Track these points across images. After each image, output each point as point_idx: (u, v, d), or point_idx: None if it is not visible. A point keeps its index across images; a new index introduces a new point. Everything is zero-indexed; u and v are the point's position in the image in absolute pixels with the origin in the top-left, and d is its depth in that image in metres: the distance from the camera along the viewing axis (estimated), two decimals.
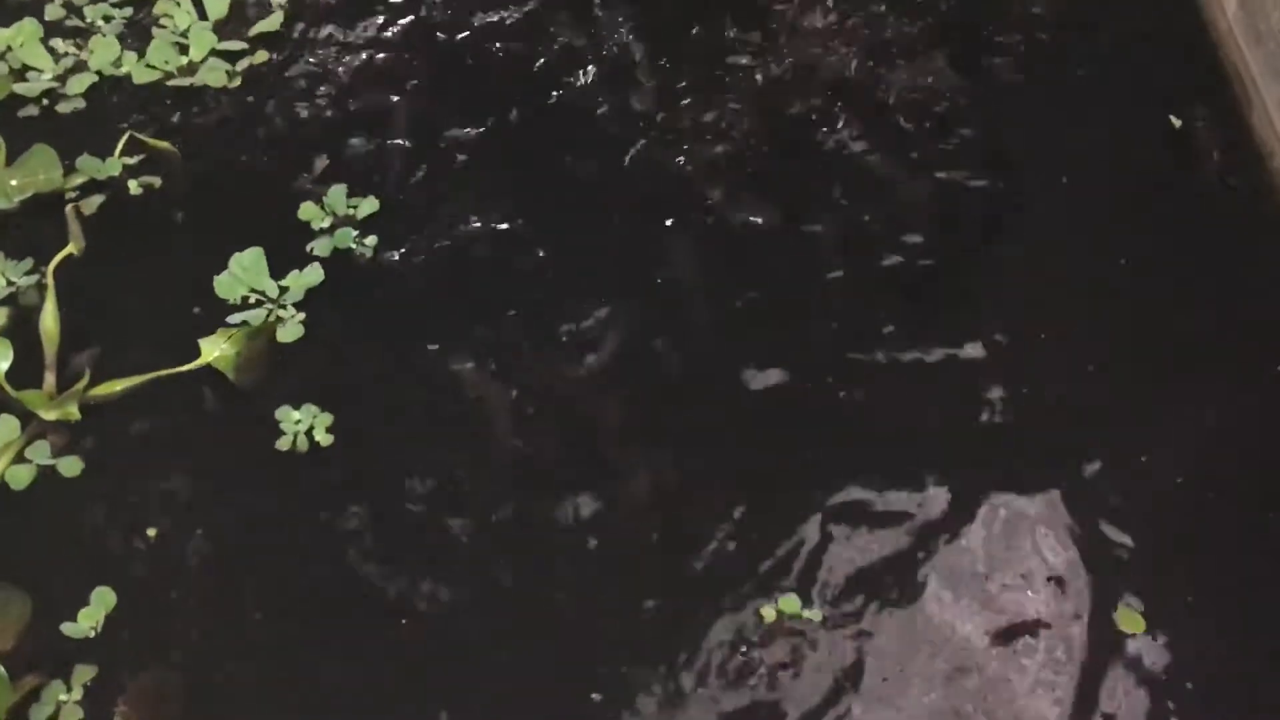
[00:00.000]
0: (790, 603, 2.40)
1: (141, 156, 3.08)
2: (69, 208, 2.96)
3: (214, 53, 3.26)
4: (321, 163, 3.08)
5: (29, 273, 2.87)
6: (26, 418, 2.64)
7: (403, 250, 2.92)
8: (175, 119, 3.16)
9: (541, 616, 2.42)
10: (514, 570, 2.47)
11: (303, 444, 2.62)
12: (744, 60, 3.26)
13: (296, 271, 2.85)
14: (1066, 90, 3.18)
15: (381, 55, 3.30)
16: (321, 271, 2.86)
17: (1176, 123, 3.08)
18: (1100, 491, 2.54)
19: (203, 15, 3.32)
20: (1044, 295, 2.82)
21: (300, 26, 3.35)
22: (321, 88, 3.23)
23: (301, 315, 2.79)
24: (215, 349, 2.73)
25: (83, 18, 3.33)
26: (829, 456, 2.60)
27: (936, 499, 2.53)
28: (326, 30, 3.35)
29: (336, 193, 2.98)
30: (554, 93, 3.21)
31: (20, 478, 2.57)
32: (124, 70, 3.23)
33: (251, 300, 2.81)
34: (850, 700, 2.31)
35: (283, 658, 2.39)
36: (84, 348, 2.77)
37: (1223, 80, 3.16)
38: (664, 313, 2.81)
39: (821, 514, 2.52)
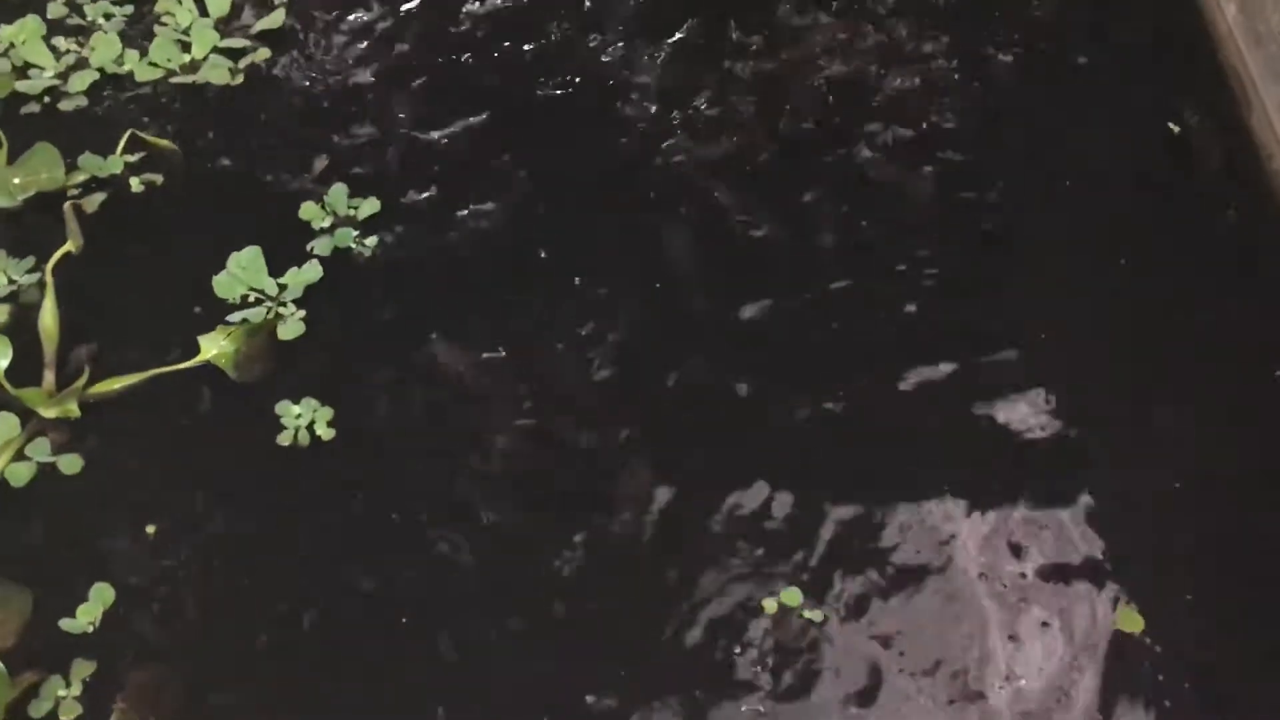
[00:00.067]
0: (791, 595, 2.40)
1: (143, 154, 3.08)
2: (67, 206, 2.96)
3: (216, 50, 3.26)
4: (323, 162, 3.08)
5: (31, 271, 2.87)
6: (26, 415, 2.64)
7: (403, 250, 2.92)
8: (177, 117, 3.16)
9: (542, 612, 2.42)
10: (514, 567, 2.47)
11: (304, 438, 2.62)
12: (746, 61, 3.26)
13: (295, 269, 2.85)
14: (1066, 92, 3.18)
15: (383, 53, 3.30)
16: (320, 269, 2.86)
17: (1175, 129, 3.08)
18: (1100, 491, 2.54)
19: (204, 13, 3.32)
20: (1044, 297, 2.82)
21: (302, 24, 3.35)
22: (323, 86, 3.23)
23: (302, 313, 2.80)
24: (215, 346, 2.74)
25: (83, 15, 3.34)
26: (829, 456, 2.60)
27: (936, 498, 2.54)
28: (329, 28, 3.35)
29: (337, 192, 2.98)
30: (556, 93, 3.21)
31: (20, 475, 2.57)
32: (126, 68, 3.23)
33: (251, 299, 2.81)
34: (848, 697, 2.31)
35: (282, 655, 2.39)
36: (84, 345, 2.77)
37: (1222, 82, 3.16)
38: (665, 312, 2.82)
39: (821, 512, 2.52)
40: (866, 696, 2.31)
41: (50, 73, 3.21)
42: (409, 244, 2.94)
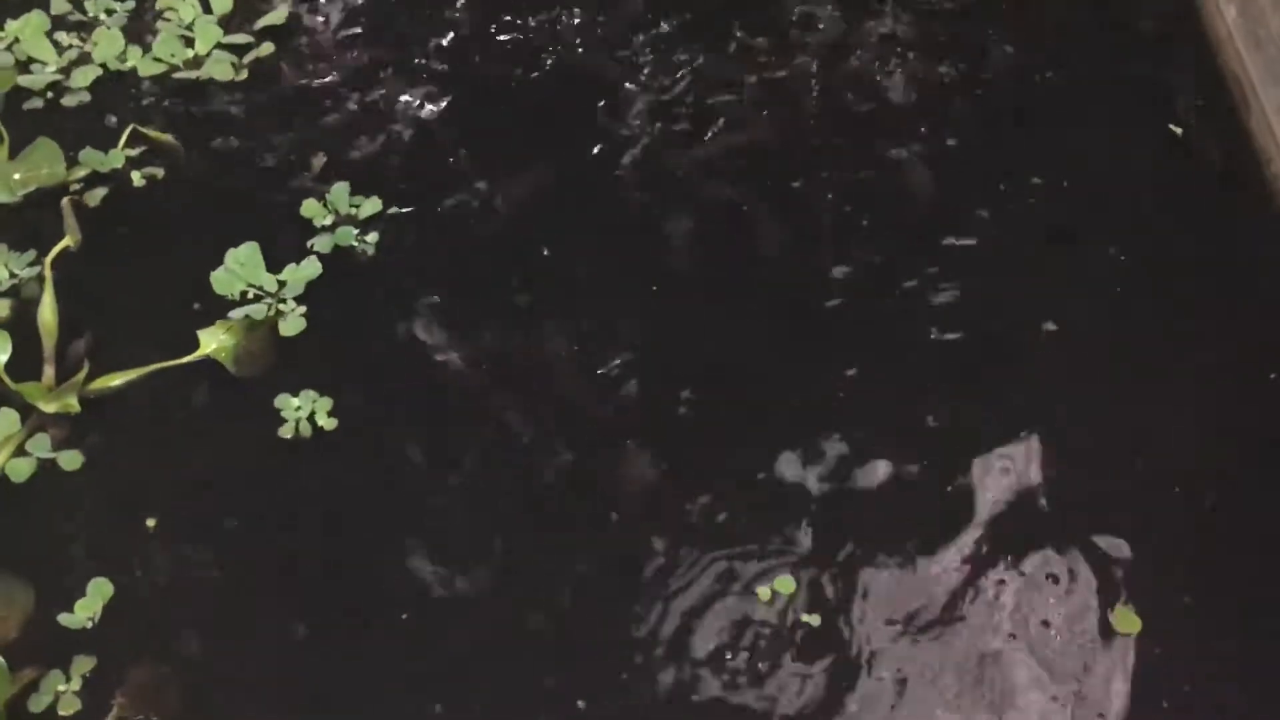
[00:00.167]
0: (785, 583, 2.41)
1: (144, 149, 3.08)
2: (65, 201, 2.96)
3: (219, 46, 3.27)
4: (325, 159, 3.08)
5: (31, 265, 2.87)
6: (26, 411, 2.64)
7: (404, 248, 2.93)
8: (180, 112, 3.17)
9: (542, 607, 2.42)
10: (514, 563, 2.48)
11: (305, 430, 2.63)
12: (749, 62, 3.26)
13: (294, 266, 2.85)
14: (1067, 93, 3.18)
15: (387, 50, 3.30)
16: (319, 265, 2.86)
17: (1178, 131, 3.09)
18: (1098, 492, 2.54)
19: (207, 9, 3.32)
20: (1044, 299, 2.82)
21: (305, 21, 3.35)
22: (326, 83, 3.24)
23: (303, 309, 2.80)
24: (214, 340, 2.74)
25: (85, 12, 3.34)
26: (828, 456, 2.61)
27: (934, 498, 2.54)
28: (331, 24, 3.35)
29: (339, 190, 2.98)
30: (559, 92, 3.21)
31: (20, 471, 2.57)
32: (129, 64, 3.23)
33: (250, 295, 2.82)
34: (845, 695, 2.31)
35: (281, 650, 2.39)
36: (84, 340, 2.77)
37: (1222, 85, 3.17)
38: (665, 313, 2.82)
39: (820, 511, 2.52)
40: (864, 694, 2.32)
41: (53, 68, 3.21)
42: (409, 242, 2.94)
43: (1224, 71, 3.19)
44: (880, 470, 2.58)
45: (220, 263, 2.83)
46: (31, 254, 2.89)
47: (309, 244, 2.91)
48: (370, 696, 2.34)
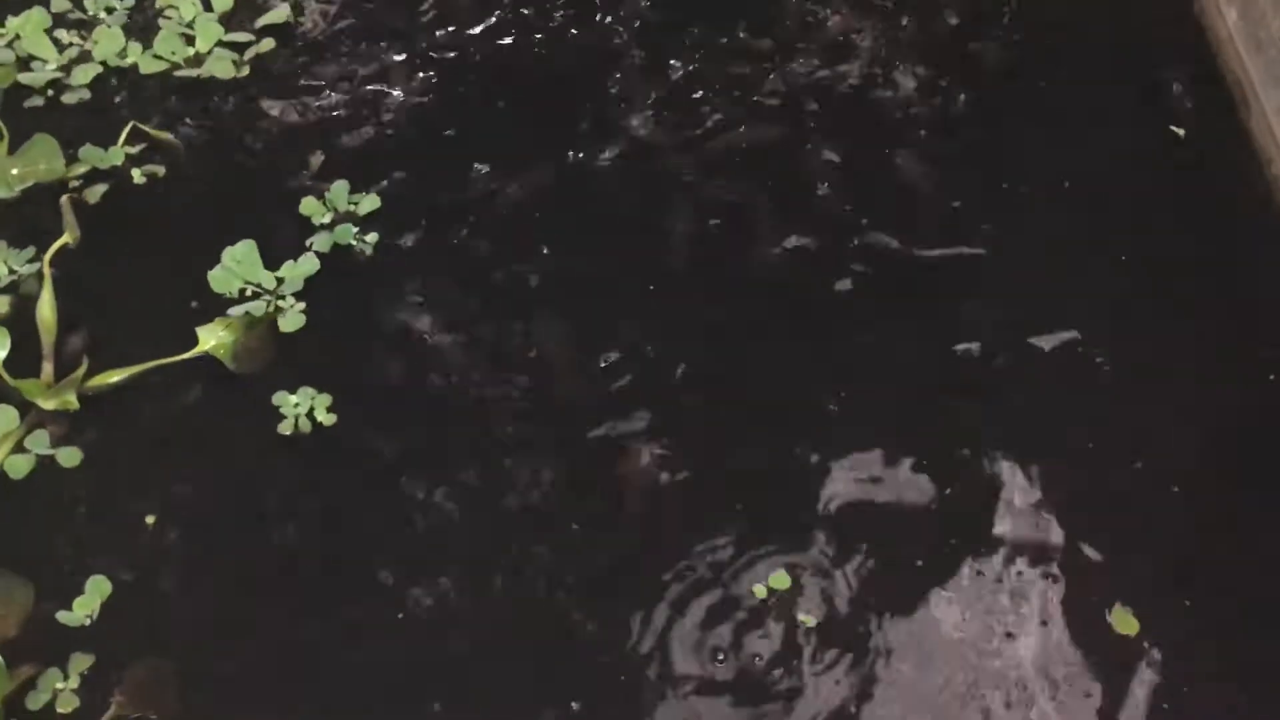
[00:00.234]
0: (780, 579, 2.42)
1: (144, 147, 3.08)
2: (64, 198, 2.96)
3: (220, 44, 3.27)
4: (325, 157, 3.08)
5: (30, 262, 2.87)
6: (25, 407, 2.64)
7: (402, 248, 2.92)
8: (180, 110, 3.17)
9: (539, 605, 2.42)
10: (512, 561, 2.48)
11: (305, 426, 2.63)
12: (751, 61, 3.26)
13: (291, 262, 2.85)
14: (1067, 96, 3.18)
15: (388, 48, 3.30)
16: (317, 261, 2.86)
17: (1179, 132, 3.09)
18: (1096, 493, 2.54)
19: (208, 7, 3.32)
20: (1043, 298, 2.83)
21: (306, 18, 3.36)
22: (327, 80, 3.24)
23: (301, 305, 2.80)
24: (213, 337, 2.74)
25: (85, 10, 3.34)
26: (827, 456, 2.60)
27: (932, 499, 2.54)
28: (333, 22, 3.35)
29: (339, 188, 2.98)
30: (560, 90, 3.21)
31: (19, 467, 2.57)
32: (130, 61, 3.23)
33: (249, 293, 2.82)
34: (841, 693, 2.31)
35: (280, 647, 2.39)
36: (83, 337, 2.77)
37: (1222, 87, 3.17)
38: (665, 311, 2.82)
39: (818, 510, 2.52)
40: (860, 691, 2.32)
41: (53, 65, 3.21)
42: (408, 240, 2.94)
43: (1224, 73, 3.19)
44: (879, 470, 2.58)
45: (219, 261, 2.83)
46: (31, 251, 2.89)
47: (308, 242, 2.91)
48: (368, 694, 2.34)
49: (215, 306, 2.79)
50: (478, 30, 3.34)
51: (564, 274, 2.88)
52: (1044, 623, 2.38)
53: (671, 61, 3.26)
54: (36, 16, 3.26)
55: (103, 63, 3.22)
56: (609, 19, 3.35)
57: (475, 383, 2.71)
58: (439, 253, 2.92)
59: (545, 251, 2.91)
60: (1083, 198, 2.99)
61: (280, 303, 2.80)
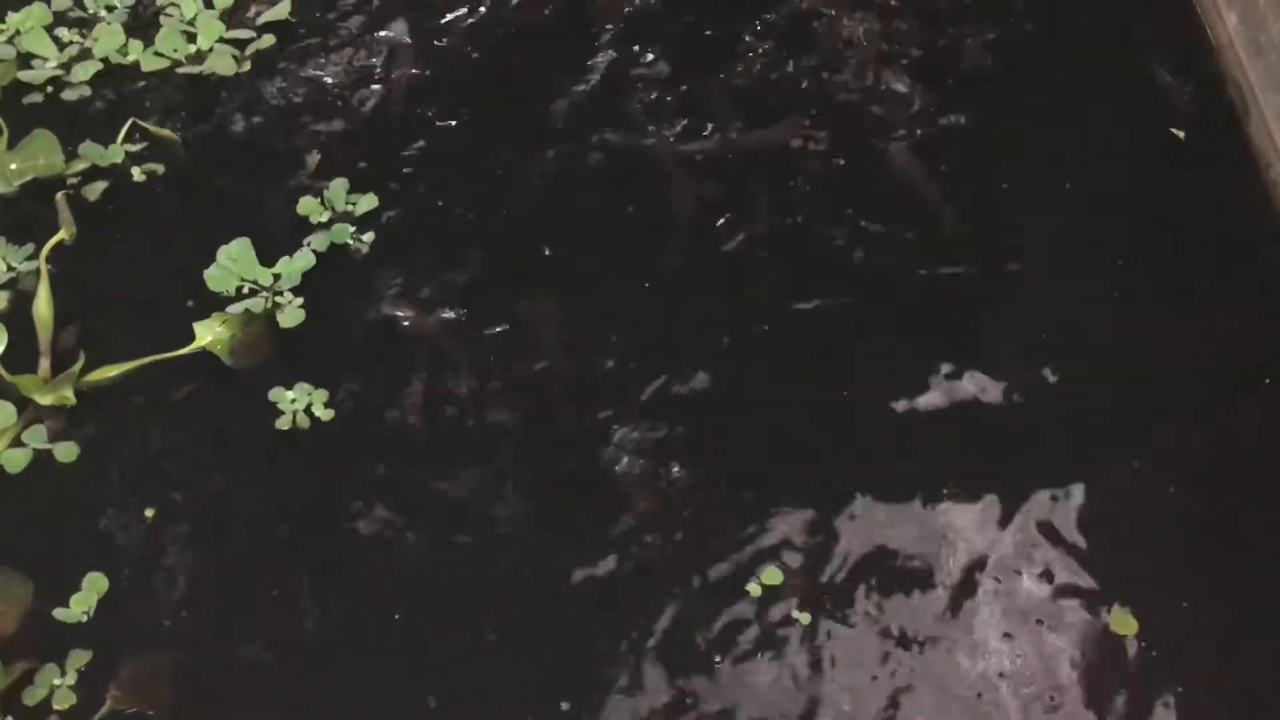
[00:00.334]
0: (773, 575, 2.42)
1: (145, 144, 3.08)
2: (59, 194, 2.96)
3: (222, 41, 3.27)
4: (319, 156, 3.08)
5: (29, 258, 2.87)
6: (22, 403, 2.64)
7: (400, 247, 2.92)
8: (181, 107, 3.17)
9: (537, 603, 2.42)
10: (510, 560, 2.48)
11: (303, 421, 2.62)
12: (753, 61, 3.27)
13: (287, 258, 2.85)
14: (1067, 99, 3.18)
15: (389, 47, 3.30)
16: (313, 256, 2.86)
17: (1180, 134, 3.09)
18: (1094, 494, 2.54)
19: (209, 4, 3.32)
20: (1042, 299, 2.83)
21: (308, 16, 3.36)
22: (328, 78, 3.24)
23: (300, 300, 2.80)
24: (210, 333, 2.73)
25: (85, 8, 3.33)
26: (826, 455, 2.61)
27: (929, 500, 2.54)
28: (335, 19, 3.35)
29: (337, 187, 2.98)
30: (561, 91, 3.21)
31: (16, 462, 2.57)
32: (131, 59, 3.23)
33: (245, 290, 2.81)
34: (838, 692, 2.31)
35: (277, 643, 2.39)
36: (81, 333, 2.77)
37: (1221, 91, 3.18)
38: (664, 310, 2.82)
39: (815, 509, 2.52)
40: (858, 694, 2.31)
41: (53, 63, 3.21)
42: (406, 240, 2.93)
43: (1224, 76, 3.20)
44: (877, 471, 2.58)
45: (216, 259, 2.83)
46: (29, 247, 2.89)
47: (305, 241, 2.90)
48: (366, 691, 2.33)
49: (213, 303, 2.79)
50: (479, 30, 3.34)
51: (563, 274, 2.88)
52: (1040, 623, 2.38)
53: (673, 63, 3.26)
54: (37, 12, 3.26)
55: (103, 60, 3.22)
56: (609, 19, 3.35)
57: (475, 382, 2.71)
58: (437, 253, 2.92)
59: (548, 252, 2.91)
60: (1083, 200, 2.99)
61: (278, 299, 2.80)
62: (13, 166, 2.98)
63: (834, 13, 3.36)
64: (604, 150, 3.09)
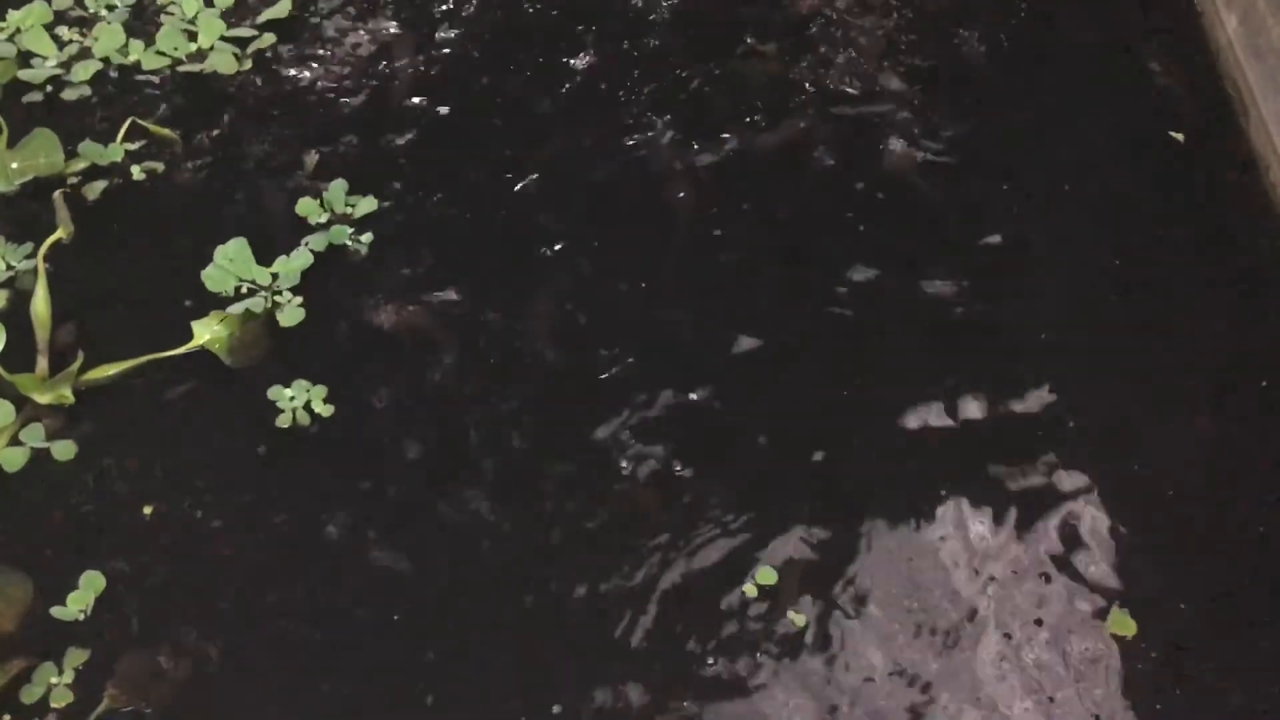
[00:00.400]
0: (767, 574, 2.42)
1: (144, 143, 3.08)
2: (56, 193, 2.96)
3: (223, 39, 3.27)
4: (317, 157, 3.08)
5: (29, 257, 2.86)
6: (21, 401, 2.64)
7: (398, 248, 2.92)
8: (181, 106, 3.17)
9: (533, 602, 2.42)
10: (509, 558, 2.48)
11: (303, 418, 2.63)
12: (755, 63, 3.27)
13: (284, 257, 2.85)
14: (1067, 101, 3.19)
15: (389, 46, 3.31)
16: (310, 255, 2.86)
17: (1179, 137, 3.10)
18: (1093, 496, 2.54)
19: (209, 2, 3.33)
20: (1043, 301, 2.83)
21: (309, 14, 3.36)
22: (328, 79, 3.24)
23: (299, 299, 2.80)
24: (208, 331, 2.73)
25: (86, 7, 3.34)
26: (825, 456, 2.61)
27: (928, 500, 2.54)
28: (336, 17, 3.35)
29: (336, 189, 2.98)
30: (560, 91, 3.21)
31: (14, 460, 2.57)
32: (132, 58, 3.24)
33: (244, 290, 2.81)
34: (838, 694, 2.31)
35: (274, 641, 2.38)
36: (79, 332, 2.77)
37: (1221, 93, 3.18)
38: (663, 313, 2.82)
39: (814, 510, 2.52)
40: (856, 693, 2.31)
41: (53, 62, 3.21)
42: (404, 242, 2.93)
43: (1224, 79, 3.20)
44: (876, 472, 2.58)
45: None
46: (29, 246, 2.88)
47: (304, 241, 2.90)
48: (364, 689, 2.33)
49: (212, 302, 2.79)
50: (480, 29, 3.34)
51: (563, 275, 2.88)
52: (1039, 623, 2.38)
53: (675, 65, 3.26)
54: (38, 9, 3.26)
55: (103, 59, 3.23)
56: (610, 19, 3.35)
57: (474, 380, 2.71)
58: (435, 253, 2.92)
59: (548, 253, 2.91)
60: (1083, 202, 2.99)
61: (277, 298, 2.80)
62: (14, 165, 2.98)
63: (834, 14, 3.36)
64: (603, 151, 3.10)
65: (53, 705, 2.30)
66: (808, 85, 3.22)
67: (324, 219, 2.95)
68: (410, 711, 2.31)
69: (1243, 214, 2.98)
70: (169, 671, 2.34)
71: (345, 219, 2.95)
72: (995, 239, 2.93)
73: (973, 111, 3.17)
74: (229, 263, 2.82)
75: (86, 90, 3.18)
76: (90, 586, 2.42)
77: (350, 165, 3.06)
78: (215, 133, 3.12)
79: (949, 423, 2.64)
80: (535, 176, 3.05)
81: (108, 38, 3.24)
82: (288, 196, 2.98)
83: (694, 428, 2.64)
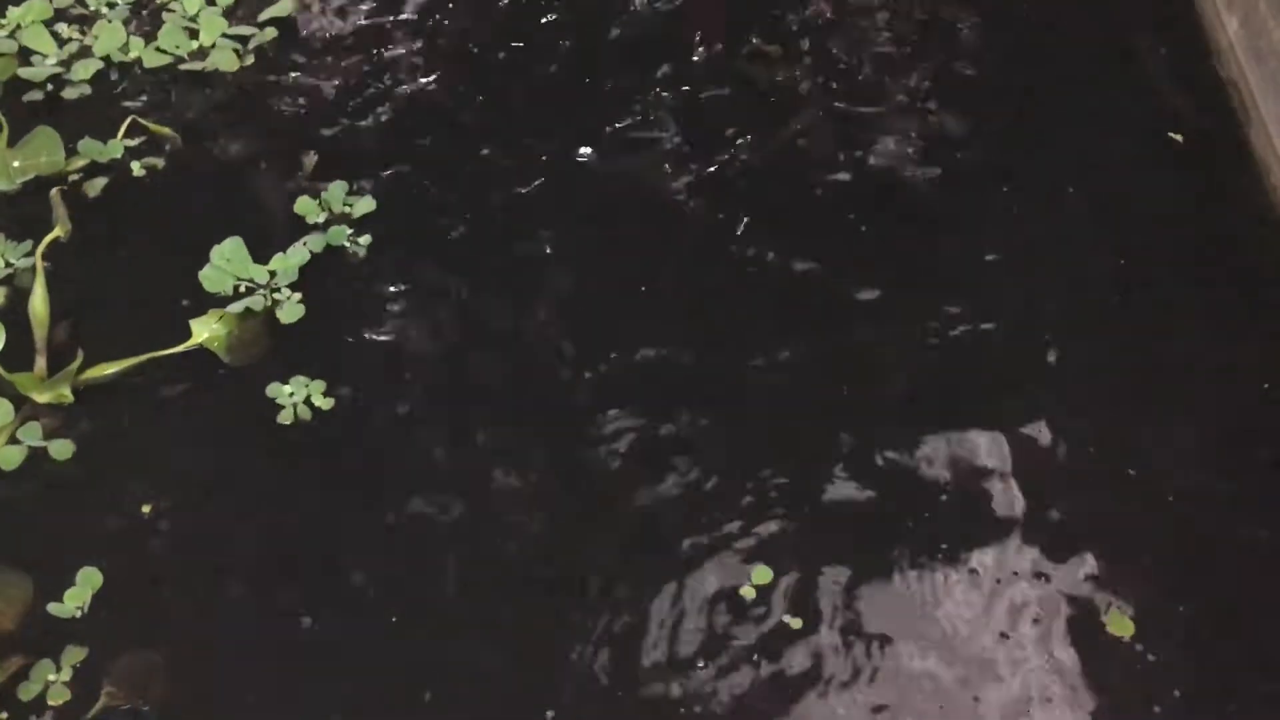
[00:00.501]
0: (763, 573, 2.42)
1: (144, 140, 3.09)
2: (54, 191, 2.96)
3: (224, 36, 3.28)
4: (316, 158, 3.08)
5: (28, 255, 2.86)
6: (19, 400, 2.64)
7: (397, 249, 2.92)
8: (181, 104, 3.17)
9: (532, 601, 2.42)
10: (508, 558, 2.47)
11: (305, 414, 2.63)
12: (757, 66, 3.27)
13: (281, 254, 2.85)
14: (1068, 101, 3.19)
15: (389, 45, 3.31)
16: (308, 253, 2.86)
17: (1178, 138, 3.09)
18: (1092, 497, 2.54)
19: (211, 1, 3.33)
20: (1043, 302, 2.83)
21: (310, 12, 3.36)
22: (328, 78, 3.24)
23: (299, 296, 2.80)
24: (206, 329, 2.73)
25: (86, 5, 3.34)
26: (824, 457, 2.60)
27: (927, 501, 2.53)
28: (338, 15, 3.35)
29: (335, 189, 2.98)
30: (560, 93, 3.22)
31: (12, 459, 2.57)
32: (133, 55, 3.24)
33: (242, 289, 2.81)
34: (836, 694, 2.31)
35: (272, 639, 2.38)
36: (78, 330, 2.77)
37: (1222, 96, 3.18)
38: (660, 315, 2.82)
39: (812, 508, 2.52)
40: (855, 693, 2.31)
41: (53, 61, 3.21)
42: (403, 243, 2.93)
43: (1224, 82, 3.20)
44: (874, 473, 2.58)
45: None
46: (28, 244, 2.89)
47: (301, 241, 2.90)
48: (362, 687, 2.33)
49: (211, 300, 2.80)
50: (481, 29, 3.35)
51: (563, 275, 2.88)
52: (1037, 622, 2.38)
53: (675, 67, 3.26)
54: (38, 6, 3.26)
55: (104, 58, 3.23)
56: (610, 21, 3.35)
57: (474, 380, 2.71)
58: (435, 254, 2.92)
59: (549, 251, 2.91)
60: (1083, 203, 2.99)
61: (276, 295, 2.80)
62: (15, 164, 2.99)
63: (834, 16, 3.36)
64: (604, 152, 3.10)
65: (50, 703, 2.29)
66: (810, 86, 3.21)
67: (322, 219, 2.95)
68: (410, 711, 2.30)
69: (1243, 216, 2.98)
70: (166, 670, 2.33)
71: (344, 219, 2.95)
72: (995, 239, 2.93)
73: (972, 112, 3.16)
74: (226, 262, 2.82)
75: (87, 89, 3.18)
76: (88, 584, 2.42)
77: (350, 166, 3.05)
78: (215, 131, 3.12)
79: (948, 424, 2.64)
80: (535, 177, 3.05)
81: (108, 35, 3.24)
82: (286, 196, 2.98)
83: (694, 428, 2.64)
